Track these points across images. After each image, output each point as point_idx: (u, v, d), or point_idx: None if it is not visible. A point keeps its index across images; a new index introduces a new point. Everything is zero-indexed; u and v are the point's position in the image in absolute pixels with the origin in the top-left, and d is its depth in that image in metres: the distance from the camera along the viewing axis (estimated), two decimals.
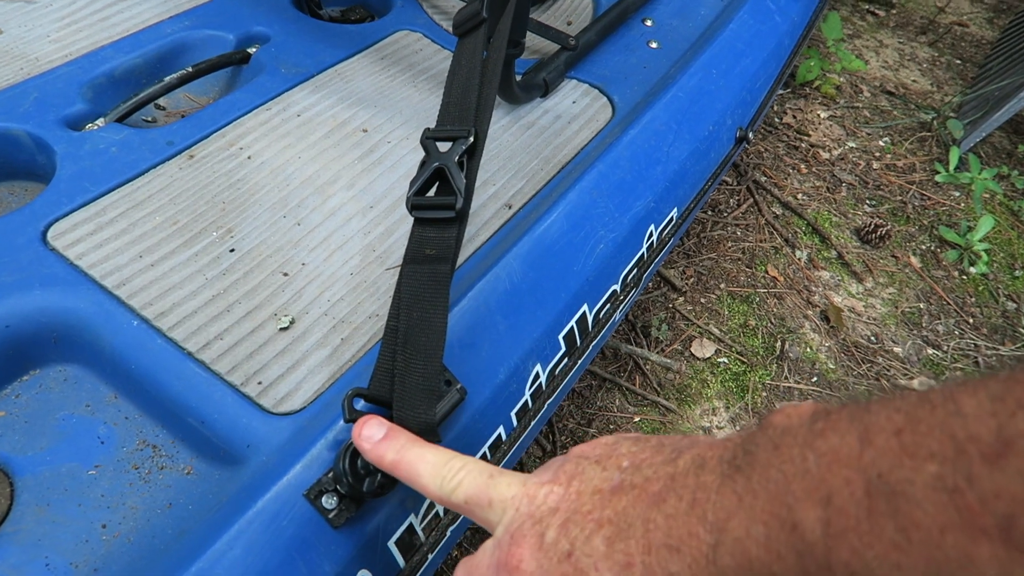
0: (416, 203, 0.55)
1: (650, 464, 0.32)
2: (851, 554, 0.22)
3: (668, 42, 1.05)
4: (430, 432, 0.48)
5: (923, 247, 1.31)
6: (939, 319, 1.19)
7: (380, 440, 0.44)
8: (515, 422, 0.62)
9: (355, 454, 0.47)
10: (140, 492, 0.57)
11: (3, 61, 0.82)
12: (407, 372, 0.49)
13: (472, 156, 0.57)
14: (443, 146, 0.57)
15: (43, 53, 0.84)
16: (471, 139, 0.56)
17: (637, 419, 0.96)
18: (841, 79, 1.66)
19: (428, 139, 0.57)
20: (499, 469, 0.39)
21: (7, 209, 0.75)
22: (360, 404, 0.51)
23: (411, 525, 0.54)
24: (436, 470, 0.40)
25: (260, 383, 0.58)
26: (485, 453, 0.59)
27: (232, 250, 0.68)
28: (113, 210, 0.69)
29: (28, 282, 0.62)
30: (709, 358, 1.06)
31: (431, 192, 0.57)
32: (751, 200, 1.32)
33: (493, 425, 0.60)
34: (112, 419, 0.60)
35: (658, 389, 1.00)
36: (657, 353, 1.05)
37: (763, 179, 1.37)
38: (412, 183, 0.56)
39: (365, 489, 0.47)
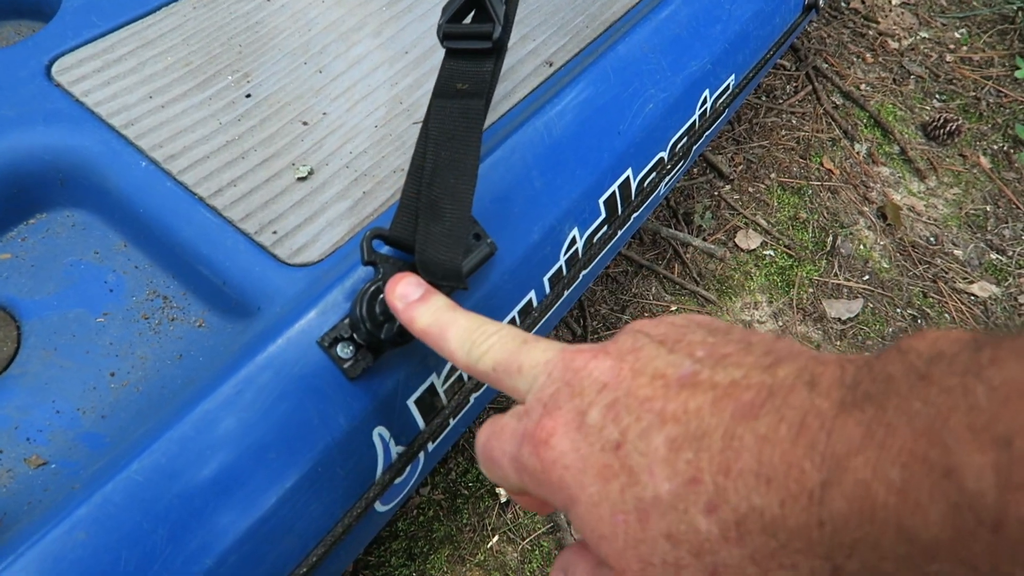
0: (449, 31, 0.48)
1: (737, 364, 0.25)
2: None
3: None
4: (456, 278, 0.43)
5: (995, 147, 1.21)
6: (1006, 223, 1.10)
7: (415, 301, 0.38)
8: (548, 288, 0.58)
9: (373, 297, 0.43)
10: (150, 342, 0.54)
11: None
12: (433, 214, 0.44)
13: None
14: None
15: None
16: None
17: (674, 308, 0.91)
18: None
19: None
20: (535, 336, 0.32)
21: None
22: (381, 249, 0.46)
23: (432, 385, 0.50)
24: (466, 335, 0.34)
25: (275, 232, 0.54)
26: (514, 317, 0.55)
27: (248, 95, 0.62)
28: (122, 47, 0.63)
29: (31, 117, 0.58)
30: (754, 250, 0.99)
31: (466, 21, 0.50)
32: (810, 87, 1.22)
33: (524, 288, 0.55)
34: (122, 267, 0.57)
35: (697, 279, 0.95)
36: (700, 239, 0.99)
37: (824, 66, 1.25)
38: (444, 9, 0.49)
39: (384, 336, 0.43)
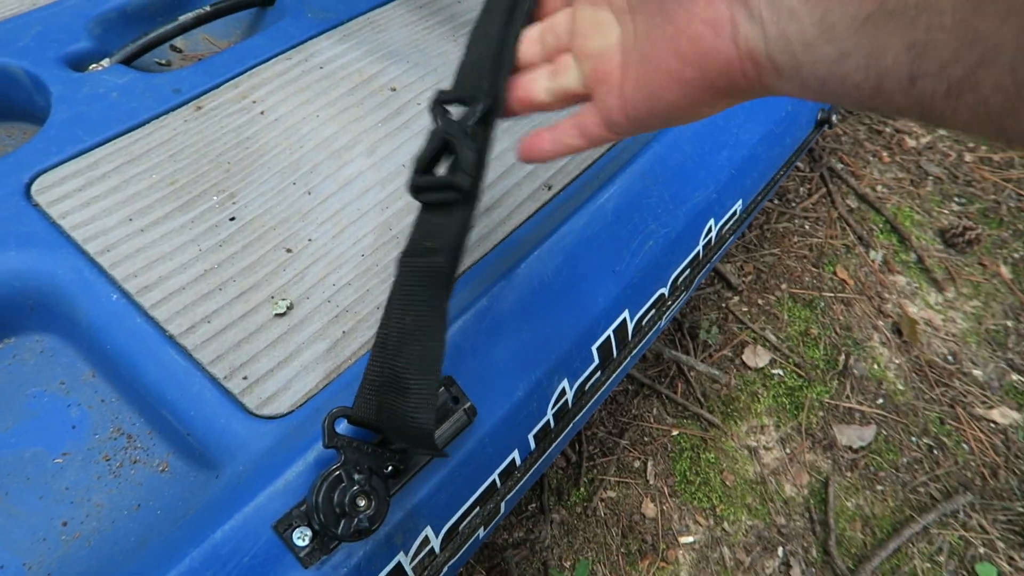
0: (418, 184, 0.44)
1: None
2: None
3: None
4: (428, 442, 0.40)
5: (1016, 255, 1.17)
6: None
7: None
8: (533, 444, 0.54)
9: (332, 487, 0.40)
10: (108, 488, 0.51)
11: None
12: (398, 388, 0.41)
13: (487, 124, 0.45)
14: (456, 111, 0.45)
15: None
16: (487, 102, 0.44)
17: (675, 433, 0.87)
18: None
19: (439, 103, 0.46)
20: None
21: (1, 153, 0.69)
22: (343, 426, 0.43)
23: (399, 564, 0.46)
24: None
25: (245, 378, 0.51)
26: (495, 480, 0.51)
27: (232, 218, 0.60)
28: (106, 164, 0.62)
29: (4, 240, 0.56)
30: (762, 368, 0.95)
31: (441, 170, 0.47)
32: (824, 190, 1.19)
33: (506, 449, 0.52)
34: (87, 400, 0.54)
35: (701, 400, 0.90)
36: (704, 361, 0.95)
37: (839, 166, 1.23)
38: (414, 159, 0.45)
39: (340, 532, 0.39)
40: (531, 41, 0.44)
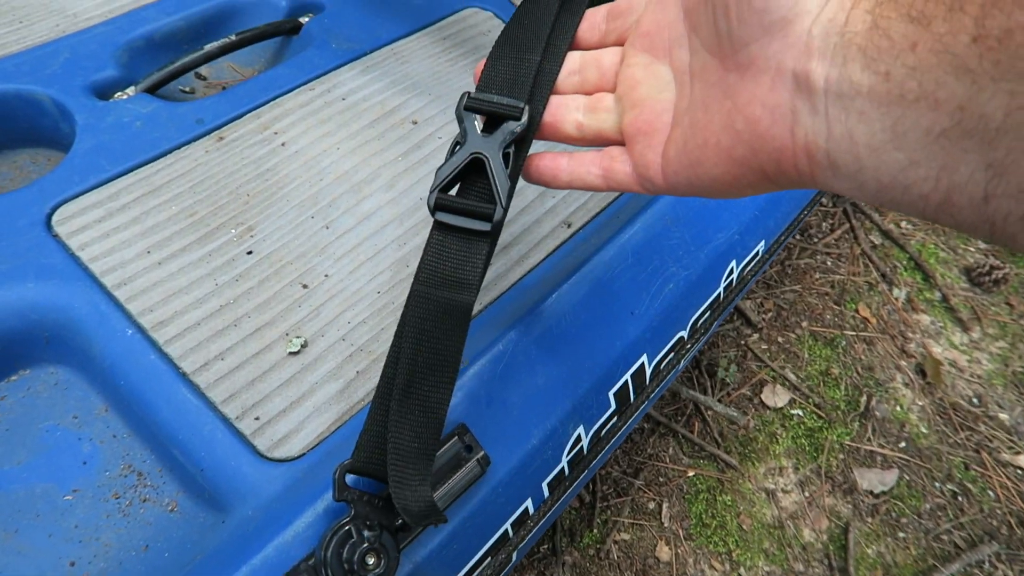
0: (443, 202, 0.41)
1: None
2: None
3: None
4: (432, 513, 0.39)
5: None
6: None
7: None
8: (547, 493, 0.53)
9: (341, 542, 0.39)
10: (117, 527, 0.50)
11: (39, 16, 0.77)
12: (400, 433, 0.39)
13: (521, 148, 0.41)
14: (481, 122, 0.42)
15: (82, 9, 0.77)
16: (524, 121, 0.40)
17: (692, 474, 0.85)
18: None
19: (467, 109, 0.41)
20: None
21: (25, 180, 0.70)
22: (351, 478, 0.43)
23: None
24: None
25: (257, 419, 0.51)
26: (507, 530, 0.50)
27: (250, 252, 0.60)
28: (127, 194, 0.62)
29: (24, 271, 0.56)
30: (781, 408, 0.94)
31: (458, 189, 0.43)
32: (847, 225, 1.18)
33: (520, 498, 0.51)
34: (99, 436, 0.53)
35: (718, 440, 0.89)
36: (721, 400, 0.93)
37: (862, 202, 1.21)
38: (439, 172, 0.41)
39: None
40: (569, 70, 0.43)
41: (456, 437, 0.45)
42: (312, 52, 0.76)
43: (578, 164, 0.40)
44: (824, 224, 1.18)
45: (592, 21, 0.43)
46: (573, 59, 0.43)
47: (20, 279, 0.55)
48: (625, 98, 0.39)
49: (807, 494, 0.86)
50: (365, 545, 0.38)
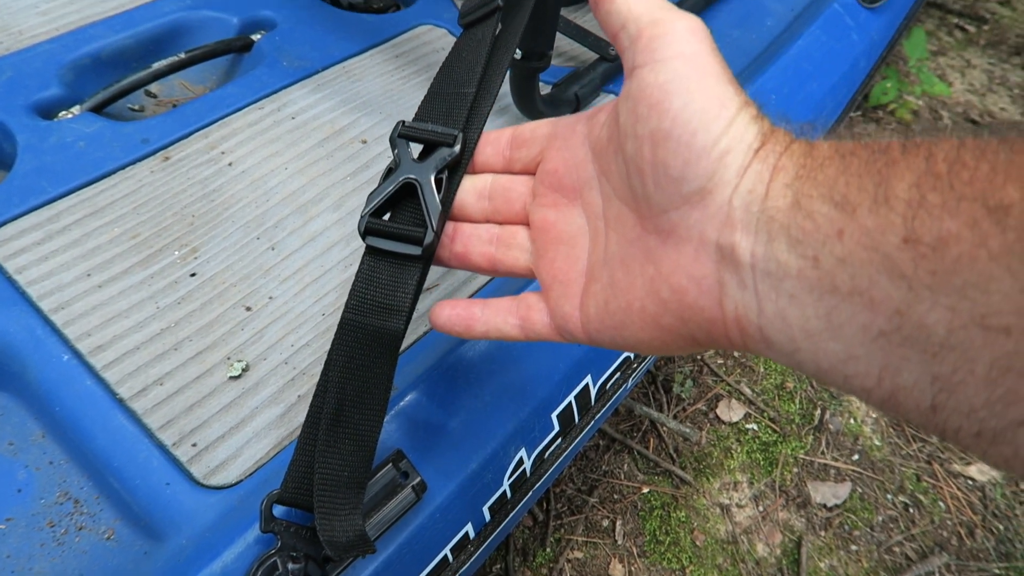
0: (373, 226, 0.40)
1: None
2: None
3: (727, 56, 0.92)
4: (362, 544, 0.38)
5: None
6: None
7: None
8: (488, 517, 0.53)
9: (268, 573, 0.39)
10: (51, 556, 0.49)
11: None
12: (328, 463, 0.39)
13: (454, 173, 0.42)
14: (416, 149, 0.43)
15: (28, 26, 0.76)
16: (456, 148, 0.41)
17: (646, 490, 0.86)
18: (919, 103, 1.50)
19: (401, 137, 0.42)
20: None
21: None
22: (281, 509, 0.42)
23: None
24: None
25: (195, 445, 0.50)
26: (447, 556, 0.50)
27: (193, 274, 0.59)
28: (68, 216, 0.61)
29: None
30: (736, 423, 0.94)
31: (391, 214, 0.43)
32: None
33: (459, 523, 0.50)
34: (35, 462, 0.52)
35: (674, 456, 0.89)
36: (676, 416, 0.94)
37: None
38: (370, 197, 0.41)
39: None
40: (478, 195, 0.41)
41: (391, 464, 0.45)
42: (263, 70, 0.76)
43: (493, 314, 0.39)
44: None
45: (496, 147, 0.42)
46: (483, 182, 0.42)
47: None
48: (538, 239, 0.38)
49: (761, 508, 0.87)
50: None
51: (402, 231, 0.40)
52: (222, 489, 0.48)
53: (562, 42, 0.88)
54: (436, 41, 0.85)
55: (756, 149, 0.28)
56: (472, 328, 0.39)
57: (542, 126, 0.41)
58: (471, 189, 0.42)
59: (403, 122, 0.43)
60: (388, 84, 0.78)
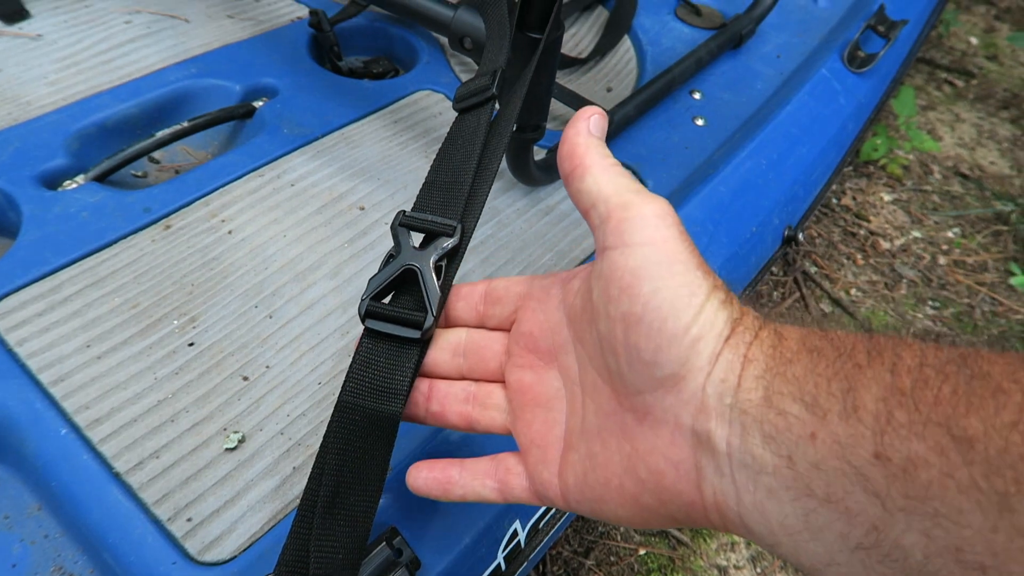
0: (373, 310, 0.42)
1: None
2: None
3: (716, 119, 0.95)
4: None
5: None
6: None
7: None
8: None
9: None
10: None
11: None
12: (323, 546, 0.39)
13: (452, 261, 0.44)
14: (417, 238, 0.45)
15: (36, 96, 0.78)
16: (456, 238, 0.43)
17: (643, 552, 0.85)
18: (910, 157, 1.53)
19: (401, 225, 0.44)
20: None
21: None
22: None
23: None
24: None
25: (190, 520, 0.50)
26: None
27: (191, 344, 0.60)
28: (70, 287, 0.62)
29: None
30: None
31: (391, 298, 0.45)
32: (797, 294, 1.21)
33: None
34: (30, 536, 0.52)
35: None
36: None
37: (813, 269, 1.24)
38: (371, 281, 0.43)
39: None
40: (452, 351, 0.42)
41: (384, 542, 0.45)
42: (263, 137, 0.78)
43: (471, 476, 0.39)
44: (775, 293, 1.21)
45: (469, 301, 0.43)
46: (457, 337, 0.42)
47: None
48: (515, 400, 0.39)
49: (759, 570, 0.86)
50: None
51: (402, 315, 0.41)
52: (217, 566, 0.49)
53: (555, 106, 0.90)
54: (435, 106, 0.88)
55: (726, 337, 0.28)
56: (449, 492, 0.40)
57: (515, 284, 0.42)
58: (445, 346, 0.42)
59: (403, 212, 0.45)
60: (386, 150, 0.80)
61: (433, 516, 0.50)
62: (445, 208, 0.45)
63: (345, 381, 0.41)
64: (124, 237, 0.67)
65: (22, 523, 0.53)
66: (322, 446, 0.42)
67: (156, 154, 0.81)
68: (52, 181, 0.71)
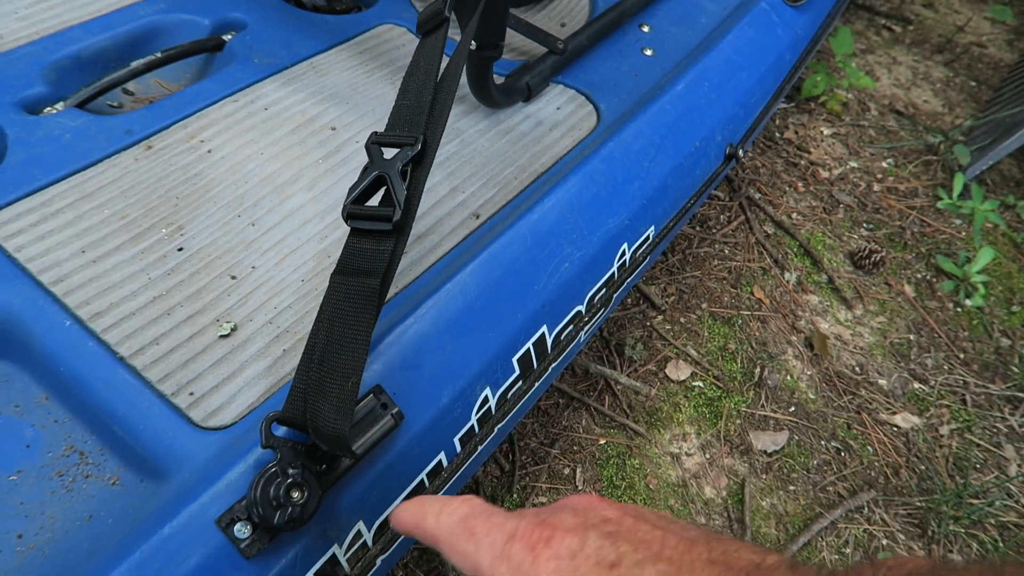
0: (352, 212, 0.52)
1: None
2: None
3: (663, 50, 1.01)
4: (342, 444, 0.45)
5: (918, 276, 1.27)
6: (928, 352, 1.15)
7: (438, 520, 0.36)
8: (459, 447, 0.60)
9: (269, 481, 0.45)
10: (61, 501, 0.54)
11: None
12: (321, 392, 0.46)
13: (418, 166, 0.54)
14: (389, 152, 0.54)
15: (9, 31, 0.81)
16: (418, 147, 0.53)
17: (603, 441, 0.93)
18: (848, 95, 1.62)
19: (373, 144, 0.54)
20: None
21: None
22: (282, 430, 0.48)
23: (334, 556, 0.51)
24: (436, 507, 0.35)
25: (192, 394, 0.56)
26: (423, 480, 0.57)
27: (180, 249, 0.65)
28: (60, 200, 0.66)
29: None
30: (684, 381, 1.03)
31: (374, 201, 0.54)
32: (742, 217, 1.29)
33: (433, 451, 0.57)
34: (41, 422, 0.57)
35: (627, 411, 0.97)
36: (628, 375, 1.02)
37: (757, 196, 1.33)
38: (350, 190, 0.53)
39: (276, 521, 0.44)
40: None
41: (372, 395, 0.51)
42: (235, 67, 0.81)
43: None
44: (722, 216, 1.29)
45: None
46: None
47: None
48: None
49: (708, 456, 0.95)
50: (290, 480, 0.44)
51: (374, 212, 0.51)
52: (220, 430, 0.54)
53: (514, 38, 0.95)
54: (396, 39, 0.92)
55: None
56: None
57: None
58: None
59: (375, 132, 0.55)
60: (353, 78, 0.85)
61: (417, 379, 0.56)
62: (411, 124, 0.55)
63: (336, 266, 0.51)
64: (108, 156, 0.71)
65: (32, 411, 0.58)
66: (317, 317, 0.50)
67: (130, 86, 0.85)
68: (33, 107, 0.74)
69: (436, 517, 0.35)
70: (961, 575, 0.23)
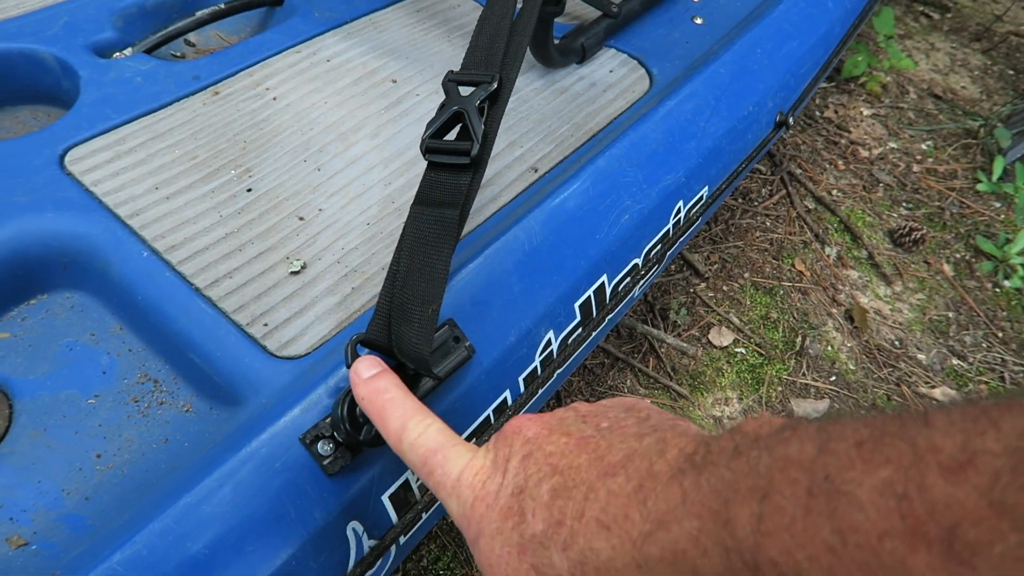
0: (431, 146, 0.53)
1: (622, 434, 0.31)
2: (780, 553, 0.21)
3: (713, 19, 1.02)
4: (425, 369, 0.46)
5: (957, 255, 1.27)
6: (967, 330, 1.15)
7: (369, 378, 0.43)
8: (522, 387, 0.61)
9: (354, 401, 0.46)
10: (137, 425, 0.56)
11: None
12: (403, 316, 0.47)
13: (495, 103, 0.55)
14: (465, 91, 0.55)
15: None
16: (495, 85, 0.54)
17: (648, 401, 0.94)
18: (888, 78, 1.61)
19: (450, 82, 0.55)
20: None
21: (29, 132, 0.75)
22: (364, 352, 0.49)
23: (407, 481, 0.52)
24: (406, 415, 0.39)
25: (266, 325, 0.57)
26: (489, 416, 0.58)
27: (249, 190, 0.66)
28: (132, 140, 0.67)
29: (42, 204, 0.61)
30: (726, 347, 1.03)
31: (450, 136, 0.55)
32: (784, 191, 1.29)
33: (499, 388, 0.58)
34: (116, 350, 0.59)
35: (671, 373, 0.98)
36: (674, 336, 1.03)
37: (798, 171, 1.33)
38: (429, 124, 0.54)
39: (362, 438, 0.45)
40: None
41: (447, 327, 0.53)
42: (296, 20, 0.83)
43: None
44: (764, 190, 1.29)
45: None
46: None
47: (38, 211, 0.61)
48: None
49: None
50: None
51: (453, 146, 0.52)
52: (294, 359, 0.55)
53: (572, 3, 0.96)
54: None
55: None
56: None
57: None
58: None
59: (451, 71, 0.56)
60: (412, 34, 0.86)
61: (486, 317, 0.57)
62: (487, 64, 0.56)
63: (415, 198, 0.52)
64: (177, 100, 0.72)
65: (107, 340, 0.59)
66: (398, 245, 0.51)
67: (191, 38, 0.86)
68: (103, 51, 0.75)
69: (398, 439, 0.39)
70: (810, 426, 0.24)
